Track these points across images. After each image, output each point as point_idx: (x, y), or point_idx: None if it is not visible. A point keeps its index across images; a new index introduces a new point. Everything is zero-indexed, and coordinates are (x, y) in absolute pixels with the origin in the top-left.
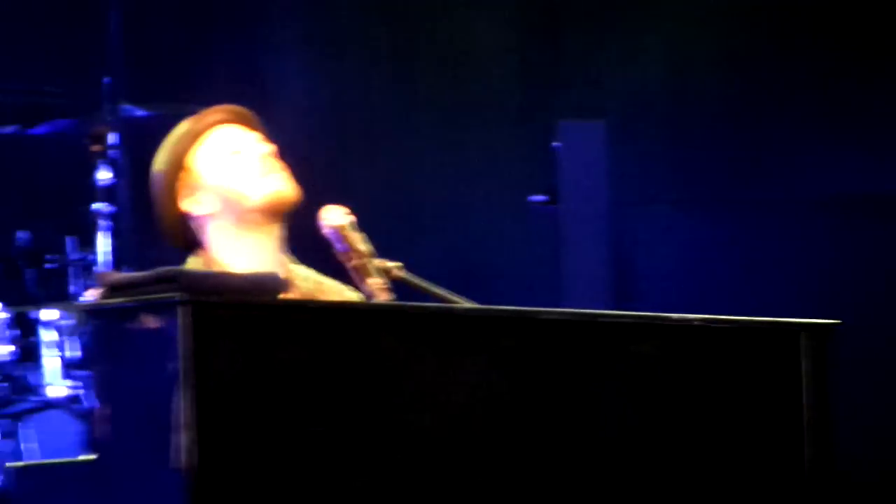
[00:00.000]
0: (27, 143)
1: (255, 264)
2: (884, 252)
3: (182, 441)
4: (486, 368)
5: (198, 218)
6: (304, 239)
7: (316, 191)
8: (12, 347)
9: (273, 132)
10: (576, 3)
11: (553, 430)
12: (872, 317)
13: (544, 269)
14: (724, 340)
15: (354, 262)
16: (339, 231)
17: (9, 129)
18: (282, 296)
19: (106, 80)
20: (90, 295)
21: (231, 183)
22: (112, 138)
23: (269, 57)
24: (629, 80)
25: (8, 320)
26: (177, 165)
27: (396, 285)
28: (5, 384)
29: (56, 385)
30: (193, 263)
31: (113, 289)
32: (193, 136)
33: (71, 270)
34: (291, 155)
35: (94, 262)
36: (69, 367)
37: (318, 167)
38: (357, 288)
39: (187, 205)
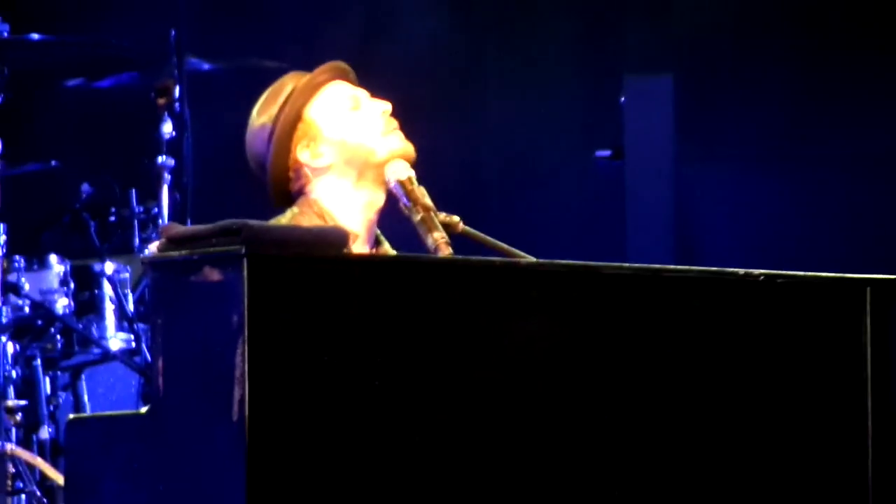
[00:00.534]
0: (93, 95)
1: (363, 219)
2: None
3: (237, 395)
4: (550, 323)
5: (314, 170)
6: None
7: None
8: (69, 301)
9: None
10: None
11: (616, 386)
12: None
13: (609, 223)
14: (789, 296)
15: (418, 217)
16: (401, 185)
17: (75, 81)
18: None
19: (172, 32)
20: (153, 247)
21: (356, 137)
22: (177, 91)
23: (333, 12)
24: (696, 34)
25: (68, 272)
26: (295, 117)
27: (459, 240)
28: (64, 337)
29: (116, 338)
30: (294, 215)
31: (174, 241)
32: (312, 89)
33: (134, 223)
34: None
35: (158, 214)
36: (130, 320)
37: None
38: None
39: (305, 156)
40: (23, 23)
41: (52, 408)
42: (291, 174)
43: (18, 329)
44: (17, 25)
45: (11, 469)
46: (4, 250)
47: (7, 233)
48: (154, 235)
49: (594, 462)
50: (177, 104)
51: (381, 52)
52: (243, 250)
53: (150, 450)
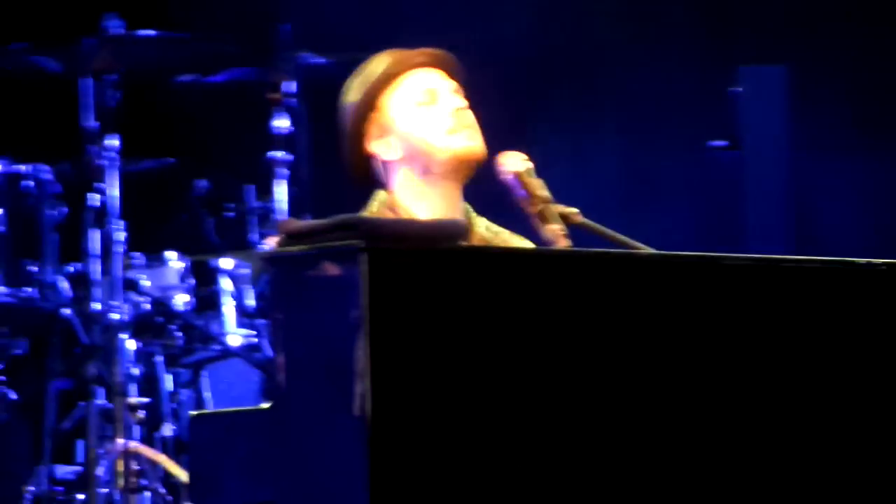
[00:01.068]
0: (205, 91)
1: (437, 213)
2: None
3: (359, 389)
4: (670, 315)
5: (384, 162)
6: (479, 186)
7: (495, 138)
8: (189, 297)
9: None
10: None
11: (735, 376)
12: None
13: (725, 214)
14: None
15: (534, 209)
16: (518, 177)
17: (187, 77)
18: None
19: (284, 27)
20: (270, 243)
21: (420, 133)
22: (290, 86)
23: (448, 4)
24: (811, 24)
25: (187, 269)
26: (369, 104)
27: (575, 231)
28: (185, 333)
29: (235, 334)
30: (378, 201)
31: (292, 236)
32: (390, 77)
33: (250, 219)
34: (470, 101)
35: (273, 210)
36: (248, 316)
37: (496, 113)
38: (536, 235)
39: (375, 146)
40: (137, 20)
41: (174, 405)
42: (367, 162)
43: (139, 326)
44: (132, 23)
45: (135, 467)
46: (125, 248)
47: (127, 230)
48: (269, 231)
49: (723, 455)
50: (289, 99)
51: (496, 42)
52: (363, 244)
53: (273, 445)
